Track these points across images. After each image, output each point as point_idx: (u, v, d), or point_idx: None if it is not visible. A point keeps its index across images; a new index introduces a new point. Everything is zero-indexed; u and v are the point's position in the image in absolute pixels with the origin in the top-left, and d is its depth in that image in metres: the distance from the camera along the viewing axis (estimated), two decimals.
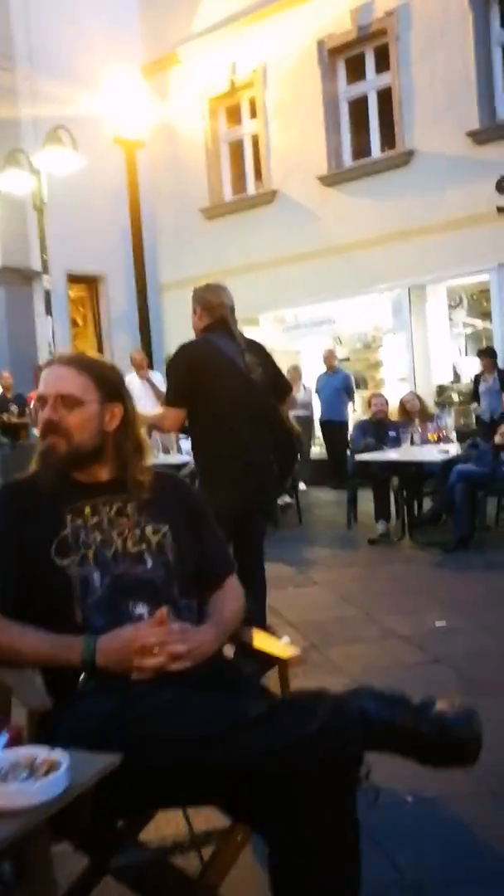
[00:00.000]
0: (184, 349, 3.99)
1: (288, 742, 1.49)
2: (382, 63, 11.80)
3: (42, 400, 1.99)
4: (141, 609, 1.89)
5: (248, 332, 14.70)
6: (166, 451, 8.67)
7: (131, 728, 1.62)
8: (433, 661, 4.19)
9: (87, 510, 1.96)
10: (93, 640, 1.79)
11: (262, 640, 1.99)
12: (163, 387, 10.65)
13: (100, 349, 17.20)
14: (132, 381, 10.45)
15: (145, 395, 9.40)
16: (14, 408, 11.16)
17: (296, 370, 12.13)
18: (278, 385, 4.13)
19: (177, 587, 1.96)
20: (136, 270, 12.73)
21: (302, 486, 11.56)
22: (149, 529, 1.98)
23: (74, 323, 17.84)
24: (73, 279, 16.98)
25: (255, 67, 12.84)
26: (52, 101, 14.06)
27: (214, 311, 3.94)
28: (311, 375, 12.36)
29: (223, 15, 13.07)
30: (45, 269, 12.36)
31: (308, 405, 11.87)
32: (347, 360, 13.69)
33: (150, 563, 1.95)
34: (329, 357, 11.85)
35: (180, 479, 2.23)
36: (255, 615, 4.18)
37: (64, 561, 1.88)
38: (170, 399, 3.96)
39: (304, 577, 6.29)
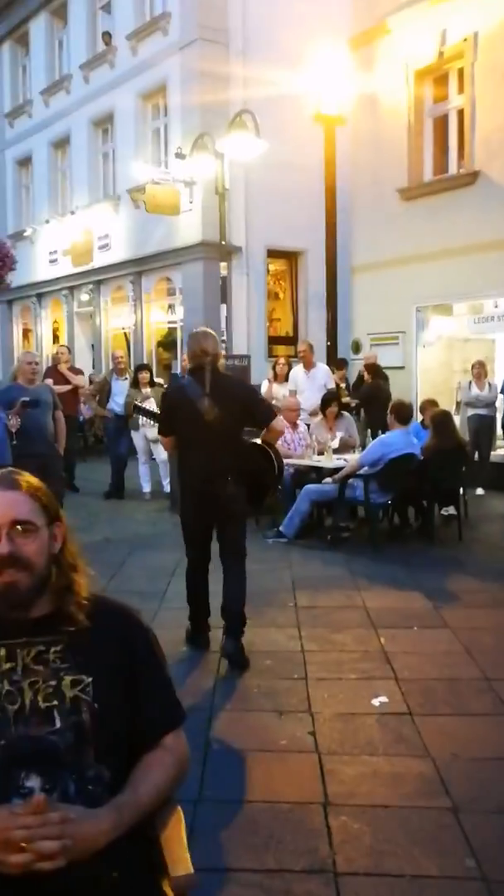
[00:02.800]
0: (166, 394, 5.58)
1: None
2: None
3: None
4: (33, 782, 1.61)
5: (440, 321, 13.82)
6: (321, 452, 8.30)
7: None
8: None
9: (3, 653, 1.71)
10: None
11: (170, 839, 1.64)
12: (330, 382, 10.23)
13: (296, 323, 17.14)
14: (297, 373, 10.12)
15: (309, 387, 9.06)
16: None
17: (482, 366, 11.34)
18: (255, 416, 4.93)
19: (88, 752, 1.65)
20: (327, 250, 12.37)
21: (479, 490, 10.81)
22: (67, 681, 1.69)
23: (276, 296, 17.80)
24: (274, 254, 16.89)
25: (465, 36, 11.95)
26: (261, 81, 13.85)
27: (196, 358, 4.82)
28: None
29: None
30: (226, 247, 12.27)
31: (491, 404, 11.05)
32: None
33: (58, 724, 1.66)
34: None
35: (127, 613, 1.87)
36: (236, 609, 4.86)
37: None
38: (160, 430, 5.36)
39: (435, 615, 5.77)
